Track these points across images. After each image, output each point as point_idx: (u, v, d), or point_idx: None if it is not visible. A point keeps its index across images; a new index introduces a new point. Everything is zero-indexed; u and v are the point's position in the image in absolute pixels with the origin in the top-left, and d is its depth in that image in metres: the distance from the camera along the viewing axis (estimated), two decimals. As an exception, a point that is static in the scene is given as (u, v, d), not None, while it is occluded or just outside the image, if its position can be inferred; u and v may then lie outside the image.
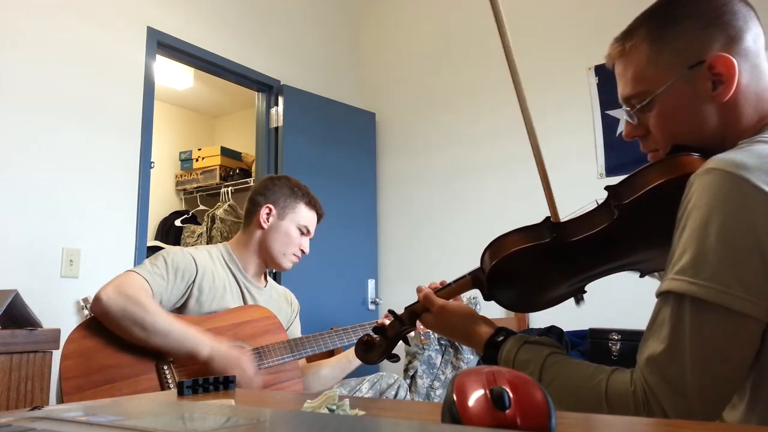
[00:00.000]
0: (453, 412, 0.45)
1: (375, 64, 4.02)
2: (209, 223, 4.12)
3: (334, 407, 0.56)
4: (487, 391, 0.46)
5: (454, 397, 0.46)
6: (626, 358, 2.28)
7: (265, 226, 1.72)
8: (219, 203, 4.22)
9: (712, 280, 0.65)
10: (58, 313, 2.24)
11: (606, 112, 2.97)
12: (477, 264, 0.92)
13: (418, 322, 0.97)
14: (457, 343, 2.84)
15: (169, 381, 1.43)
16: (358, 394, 1.75)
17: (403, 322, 0.95)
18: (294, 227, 1.74)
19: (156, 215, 4.27)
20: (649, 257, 0.83)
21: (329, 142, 3.52)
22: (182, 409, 0.53)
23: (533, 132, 0.92)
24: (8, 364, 1.36)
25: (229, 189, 4.21)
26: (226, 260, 1.70)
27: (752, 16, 0.80)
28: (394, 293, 3.64)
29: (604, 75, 2.96)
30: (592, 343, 2.40)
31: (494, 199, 3.32)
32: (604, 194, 0.82)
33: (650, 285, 0.83)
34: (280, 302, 1.81)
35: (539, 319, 2.82)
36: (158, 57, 2.83)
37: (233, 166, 4.40)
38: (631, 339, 2.31)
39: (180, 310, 1.57)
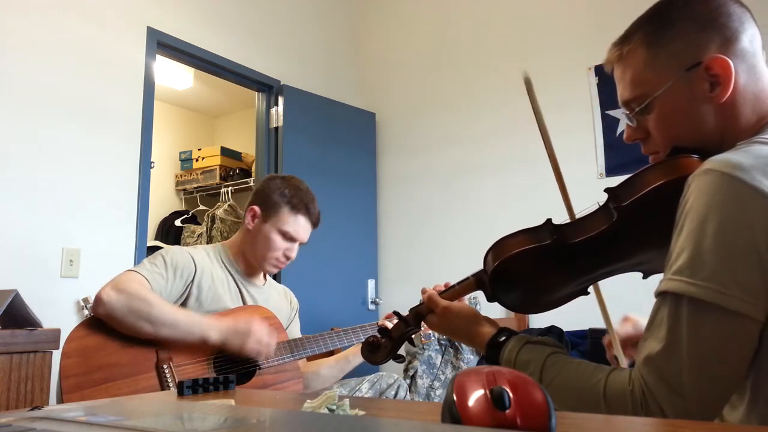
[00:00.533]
0: (453, 412, 0.46)
1: (375, 64, 4.02)
2: (209, 223, 4.12)
3: (334, 407, 0.56)
4: (487, 391, 0.46)
5: (454, 397, 0.46)
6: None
7: (249, 227, 1.70)
8: (219, 203, 4.22)
9: (709, 280, 0.65)
10: (58, 313, 2.24)
11: (606, 112, 2.97)
12: (477, 264, 0.92)
13: (422, 323, 0.98)
14: (456, 343, 2.84)
15: (169, 380, 1.43)
16: (358, 394, 1.75)
17: (408, 323, 0.97)
18: (275, 231, 1.65)
19: (156, 215, 4.27)
20: (650, 258, 0.84)
21: (329, 142, 3.52)
22: (182, 409, 0.53)
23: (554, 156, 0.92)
24: (8, 364, 1.36)
25: (229, 189, 4.21)
26: (224, 260, 1.70)
27: (748, 17, 0.80)
28: (394, 293, 3.64)
29: (604, 75, 2.95)
30: (592, 343, 2.40)
31: (494, 199, 3.32)
32: (605, 196, 0.82)
33: (650, 285, 0.83)
34: (279, 301, 1.81)
35: (539, 320, 2.82)
36: (158, 57, 2.83)
37: (233, 166, 4.40)
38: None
39: None
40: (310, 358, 1.79)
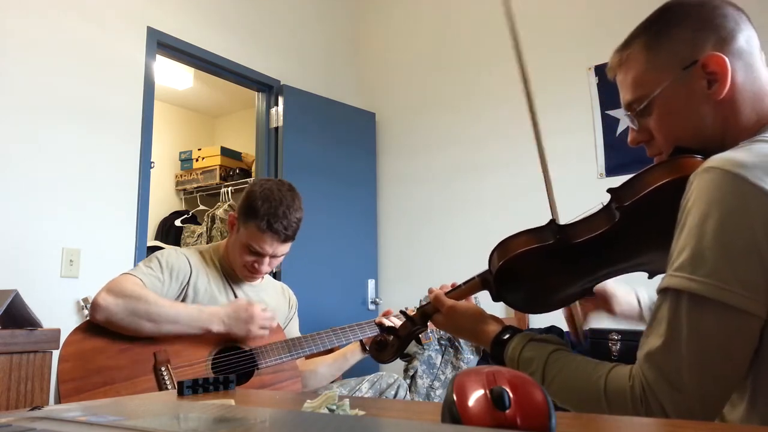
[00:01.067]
0: (453, 412, 0.46)
1: (375, 64, 4.02)
2: (209, 223, 4.12)
3: (334, 407, 0.56)
4: (487, 391, 0.46)
5: (454, 397, 0.46)
6: (626, 358, 2.27)
7: (230, 233, 1.69)
8: (219, 203, 4.22)
9: (710, 276, 0.65)
10: (58, 313, 2.24)
11: (606, 112, 2.97)
12: (478, 263, 0.93)
13: (429, 323, 0.99)
14: (456, 343, 2.84)
15: (167, 382, 1.43)
16: (358, 394, 1.75)
17: (415, 323, 0.98)
18: (242, 244, 1.61)
19: (156, 215, 4.27)
20: (654, 258, 0.84)
21: (329, 142, 3.52)
22: (182, 409, 0.53)
23: (542, 151, 0.92)
24: (8, 364, 1.36)
25: (229, 189, 4.21)
26: (218, 261, 1.70)
27: (744, 19, 0.82)
28: (394, 293, 3.63)
29: (604, 75, 2.96)
30: (592, 343, 2.41)
31: (494, 199, 3.32)
32: (608, 196, 0.83)
33: (650, 284, 0.83)
34: (277, 299, 1.81)
35: (539, 320, 2.82)
36: (158, 57, 2.83)
37: (233, 166, 4.41)
38: (631, 339, 2.31)
39: None
40: (308, 357, 1.79)
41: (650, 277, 0.92)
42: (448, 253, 3.44)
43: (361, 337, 1.72)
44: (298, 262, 3.06)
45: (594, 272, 0.88)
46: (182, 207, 4.58)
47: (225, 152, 4.41)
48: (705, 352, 0.65)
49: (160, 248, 3.94)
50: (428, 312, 0.97)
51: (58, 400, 1.34)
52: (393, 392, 1.81)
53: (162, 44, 2.81)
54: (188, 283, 1.58)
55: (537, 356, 0.79)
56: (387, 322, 1.66)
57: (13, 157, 2.22)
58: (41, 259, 2.26)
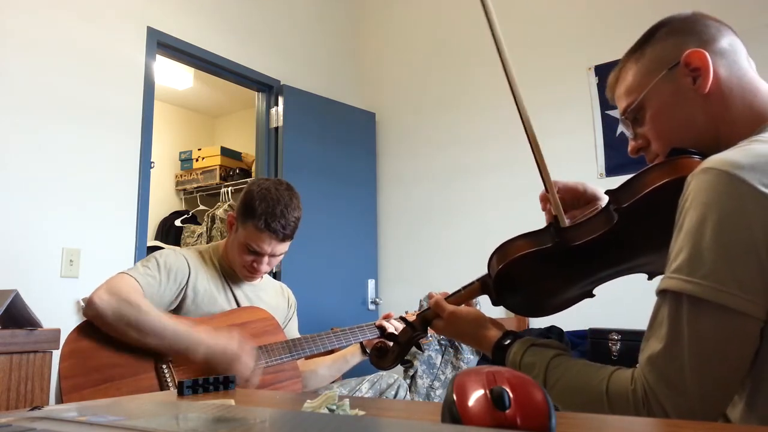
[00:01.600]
0: (453, 412, 0.46)
1: (375, 64, 4.02)
2: (209, 223, 4.12)
3: (334, 407, 0.56)
4: (487, 391, 0.46)
5: (454, 397, 0.46)
6: (626, 358, 2.28)
7: (229, 233, 1.69)
8: (219, 203, 4.22)
9: (708, 278, 0.65)
10: (58, 313, 2.24)
11: (606, 112, 2.97)
12: (478, 263, 0.93)
13: (429, 329, 0.99)
14: (457, 343, 2.84)
15: (168, 380, 1.43)
16: (358, 394, 1.76)
17: (415, 328, 0.97)
18: (241, 244, 1.61)
19: (156, 215, 4.27)
20: (654, 259, 0.84)
21: (329, 142, 3.52)
22: (182, 409, 0.53)
23: (537, 145, 0.91)
24: (8, 364, 1.36)
25: (229, 189, 4.21)
26: (217, 261, 1.70)
27: (726, 28, 0.86)
28: (394, 293, 3.64)
29: (604, 75, 2.96)
30: (592, 343, 2.40)
31: (494, 199, 3.32)
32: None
33: (650, 284, 0.83)
34: (276, 298, 1.81)
35: (540, 319, 2.82)
36: (158, 57, 2.83)
37: (233, 166, 4.41)
38: (631, 339, 2.31)
39: (175, 311, 1.57)
40: (307, 357, 1.79)
41: (650, 278, 0.92)
42: (448, 253, 3.44)
43: (361, 340, 1.72)
44: (298, 262, 3.06)
45: (593, 274, 0.87)
46: (182, 207, 4.58)
47: (225, 152, 4.41)
48: (705, 355, 0.65)
49: (160, 248, 3.94)
50: (428, 318, 0.97)
51: (60, 397, 1.34)
52: (393, 392, 1.81)
53: (162, 44, 2.81)
54: (187, 284, 1.57)
55: (538, 361, 0.79)
56: (387, 325, 1.66)
57: (13, 157, 2.22)
58: (41, 259, 2.26)
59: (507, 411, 0.44)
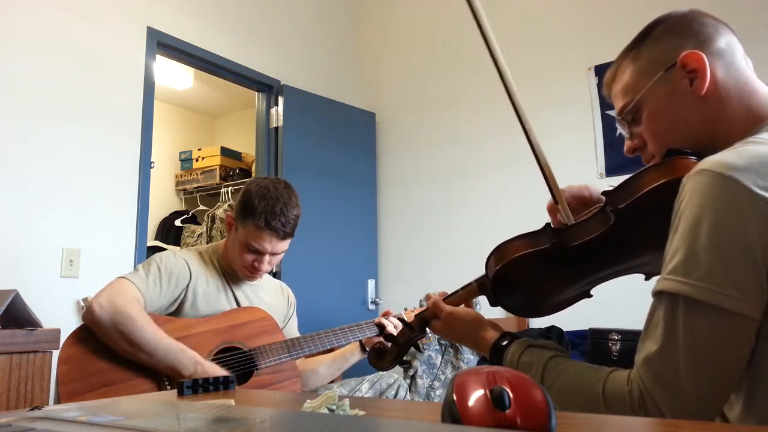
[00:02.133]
0: (453, 412, 0.46)
1: (375, 64, 4.02)
2: (209, 223, 4.12)
3: (334, 407, 0.56)
4: (487, 391, 0.46)
5: (454, 397, 0.46)
6: (626, 358, 2.28)
7: (228, 234, 1.69)
8: (219, 203, 4.22)
9: (704, 279, 0.65)
10: (58, 313, 2.24)
11: (606, 112, 2.97)
12: (478, 263, 0.93)
13: (427, 329, 0.99)
14: (457, 344, 2.84)
15: (166, 383, 1.43)
16: (358, 394, 1.75)
17: (413, 329, 0.97)
18: (242, 243, 1.61)
19: (156, 215, 4.27)
20: (651, 260, 0.84)
21: (329, 142, 3.52)
22: (182, 409, 0.53)
23: (539, 148, 0.92)
24: (8, 364, 1.36)
25: (229, 189, 4.21)
26: (217, 261, 1.70)
27: (724, 27, 0.85)
28: (394, 293, 3.63)
29: (604, 75, 2.96)
30: (592, 343, 2.40)
31: (494, 199, 3.32)
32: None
33: (649, 284, 0.83)
34: (275, 297, 1.80)
35: (539, 320, 2.82)
36: (158, 57, 2.83)
37: (233, 166, 4.41)
38: (631, 339, 2.31)
39: (175, 314, 1.57)
40: (307, 356, 1.79)
41: (647, 278, 0.92)
42: (448, 253, 3.44)
43: (360, 338, 1.72)
44: (298, 261, 3.06)
45: (591, 275, 0.88)
46: (182, 207, 4.58)
47: (225, 152, 4.41)
48: (701, 356, 0.65)
49: (160, 248, 3.95)
50: (426, 318, 0.97)
51: (58, 402, 1.34)
52: (393, 392, 1.81)
53: (162, 44, 2.81)
54: (187, 287, 1.57)
55: (536, 361, 0.79)
56: (386, 323, 1.66)
57: (13, 157, 2.22)
58: (41, 259, 2.26)
59: (507, 411, 0.44)
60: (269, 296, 1.78)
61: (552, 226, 0.90)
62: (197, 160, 4.46)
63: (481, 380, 0.47)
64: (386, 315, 1.71)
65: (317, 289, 3.22)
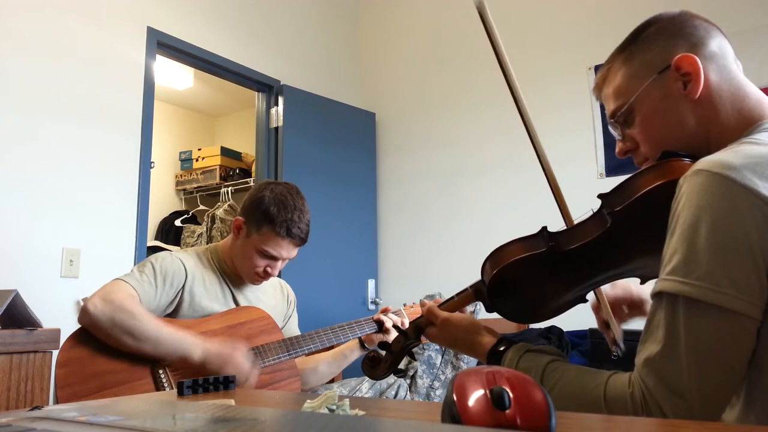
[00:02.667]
0: (453, 412, 0.45)
1: (375, 64, 4.02)
2: (209, 223, 4.12)
3: (334, 407, 0.56)
4: (487, 391, 0.46)
5: (454, 397, 0.46)
6: (626, 358, 2.27)
7: (236, 237, 1.68)
8: (219, 203, 4.22)
9: (704, 279, 0.65)
10: (58, 313, 2.24)
11: (605, 112, 2.97)
12: (477, 264, 0.92)
13: (422, 337, 0.98)
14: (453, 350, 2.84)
15: (165, 385, 1.42)
16: (358, 394, 1.75)
17: (408, 336, 0.97)
18: (255, 249, 1.60)
19: (156, 215, 4.27)
20: (647, 263, 0.84)
21: (329, 142, 3.52)
22: (182, 409, 0.53)
23: (543, 154, 0.93)
24: (8, 364, 1.36)
25: (229, 189, 4.21)
26: (216, 262, 1.69)
27: (715, 29, 0.85)
28: (394, 293, 3.63)
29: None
30: (592, 344, 2.40)
31: (494, 199, 3.32)
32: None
33: (650, 285, 0.83)
34: (275, 297, 1.80)
35: (539, 319, 2.82)
36: (158, 57, 2.83)
37: (233, 166, 4.41)
38: (631, 339, 2.29)
39: (172, 315, 1.56)
40: (306, 355, 1.79)
41: (642, 282, 0.92)
42: (448, 253, 3.44)
43: (359, 335, 1.72)
44: (298, 261, 3.04)
45: (587, 279, 0.87)
46: (182, 207, 4.58)
47: (225, 152, 4.41)
48: (703, 356, 0.65)
49: (160, 248, 3.95)
50: (421, 325, 0.96)
51: (57, 403, 1.33)
52: (393, 392, 1.81)
53: (162, 44, 2.81)
54: (183, 288, 1.56)
55: (534, 366, 0.79)
56: (385, 319, 1.66)
57: (13, 156, 2.22)
58: (41, 259, 2.26)
59: (507, 411, 0.44)
60: (269, 297, 1.77)
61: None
62: (197, 160, 4.46)
63: (481, 380, 0.47)
64: (385, 312, 1.71)
65: (317, 289, 3.22)
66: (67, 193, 2.37)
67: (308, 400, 0.58)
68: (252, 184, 4.02)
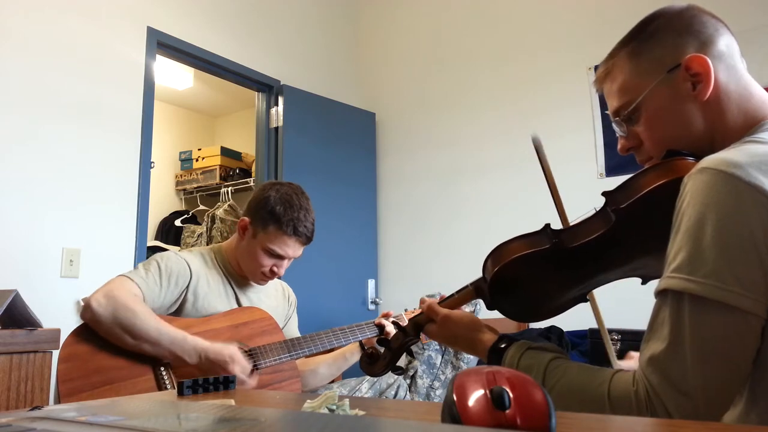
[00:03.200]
0: (453, 412, 0.45)
1: (375, 64, 4.02)
2: (209, 223, 4.12)
3: (334, 407, 0.56)
4: (487, 391, 0.46)
5: (454, 397, 0.46)
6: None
7: (241, 238, 1.68)
8: (219, 203, 4.22)
9: (709, 276, 0.65)
10: (58, 313, 2.24)
11: (606, 112, 2.96)
12: (477, 264, 0.92)
13: (421, 334, 0.98)
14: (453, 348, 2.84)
15: (166, 382, 1.43)
16: (358, 394, 1.75)
17: (407, 334, 0.96)
18: (262, 248, 1.62)
19: (156, 215, 4.27)
20: (649, 262, 0.83)
21: (329, 142, 3.52)
22: (182, 409, 0.53)
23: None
24: (8, 364, 1.36)
25: (229, 189, 4.21)
26: (219, 262, 1.69)
27: (722, 26, 0.84)
28: (394, 293, 3.64)
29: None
30: (592, 343, 2.40)
31: (494, 199, 3.32)
32: (603, 199, 0.82)
33: (650, 285, 0.83)
34: (276, 298, 1.81)
35: (539, 319, 2.82)
36: (158, 57, 2.83)
37: (233, 166, 4.41)
38: (631, 339, 2.30)
39: (175, 314, 1.56)
40: (307, 356, 1.79)
41: (644, 282, 0.92)
42: (448, 253, 3.44)
43: (360, 338, 1.72)
44: (298, 261, 3.05)
45: (589, 277, 0.87)
46: (182, 207, 4.58)
47: (225, 152, 4.41)
48: (708, 354, 0.65)
49: (160, 248, 3.95)
50: (421, 322, 0.95)
51: (58, 400, 1.34)
52: (393, 392, 1.81)
53: (162, 44, 2.81)
54: (187, 287, 1.57)
55: (536, 364, 0.78)
56: (386, 323, 1.66)
57: (13, 156, 2.22)
58: (41, 259, 2.26)
59: (507, 411, 0.44)
60: (270, 298, 1.78)
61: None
62: (197, 160, 4.46)
63: (481, 380, 0.47)
64: (386, 316, 1.72)
65: (317, 289, 3.22)
66: (67, 193, 2.36)
67: (308, 401, 0.58)
68: (252, 184, 4.03)
